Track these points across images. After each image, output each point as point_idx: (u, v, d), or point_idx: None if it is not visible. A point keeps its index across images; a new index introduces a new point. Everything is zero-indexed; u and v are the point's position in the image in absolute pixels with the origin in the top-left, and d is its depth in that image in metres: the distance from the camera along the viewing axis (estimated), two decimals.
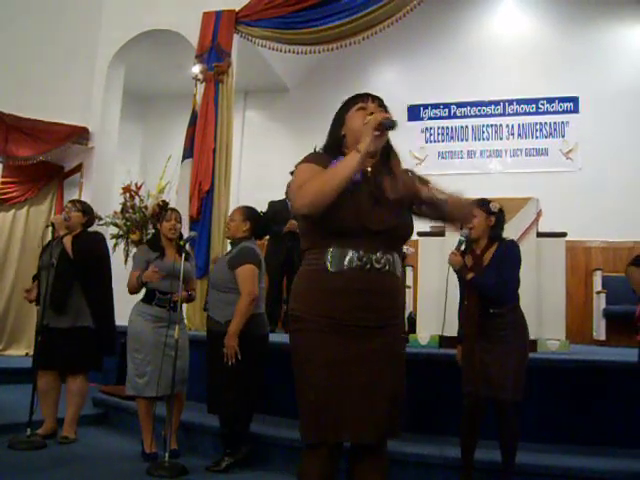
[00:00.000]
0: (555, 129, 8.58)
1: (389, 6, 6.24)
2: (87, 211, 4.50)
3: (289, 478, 3.62)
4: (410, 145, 8.66)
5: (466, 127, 8.97)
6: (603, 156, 8.12)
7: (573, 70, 8.48)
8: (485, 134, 8.88)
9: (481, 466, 3.40)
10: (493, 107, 8.87)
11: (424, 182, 2.04)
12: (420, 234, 4.89)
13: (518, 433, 3.25)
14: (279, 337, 4.68)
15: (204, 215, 6.41)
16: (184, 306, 4.50)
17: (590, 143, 8.27)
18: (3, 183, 7.57)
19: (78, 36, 7.70)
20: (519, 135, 8.75)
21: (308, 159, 2.09)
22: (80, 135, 7.45)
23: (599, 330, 7.21)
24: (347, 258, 1.94)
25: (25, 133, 7.14)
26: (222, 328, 3.74)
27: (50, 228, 4.37)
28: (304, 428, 1.98)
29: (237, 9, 6.97)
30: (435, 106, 9.07)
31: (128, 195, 5.98)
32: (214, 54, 6.85)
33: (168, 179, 6.24)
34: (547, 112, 8.65)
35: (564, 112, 8.57)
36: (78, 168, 7.69)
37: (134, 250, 5.95)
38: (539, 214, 4.95)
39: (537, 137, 8.66)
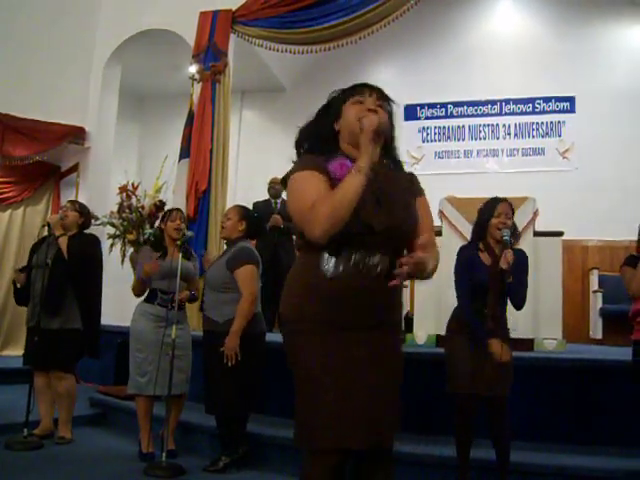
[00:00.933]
0: (552, 129, 8.59)
1: (385, 6, 6.25)
2: (84, 212, 4.49)
3: (286, 478, 3.63)
4: (407, 145, 8.65)
5: (463, 127, 8.97)
6: (599, 155, 8.13)
7: (570, 70, 8.49)
8: (482, 134, 8.88)
9: (477, 464, 3.40)
10: (490, 107, 8.88)
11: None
12: None
13: (511, 430, 3.27)
14: (276, 336, 4.67)
15: (201, 215, 6.42)
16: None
17: (586, 143, 8.28)
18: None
19: (75, 36, 7.70)
20: (516, 135, 8.75)
21: (303, 166, 1.96)
22: (77, 135, 7.44)
23: (595, 329, 7.22)
24: (345, 261, 1.89)
25: (22, 133, 7.12)
26: (219, 328, 3.73)
27: (46, 228, 4.36)
28: (312, 434, 1.87)
29: (234, 9, 6.98)
30: (432, 106, 9.08)
31: (125, 195, 5.99)
32: (211, 54, 6.85)
33: (165, 179, 6.25)
34: (544, 112, 8.66)
35: (560, 112, 8.58)
36: (75, 168, 7.68)
37: (131, 250, 5.97)
38: (536, 213, 4.95)
39: (534, 137, 8.67)
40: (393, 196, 1.96)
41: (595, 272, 7.61)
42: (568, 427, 3.94)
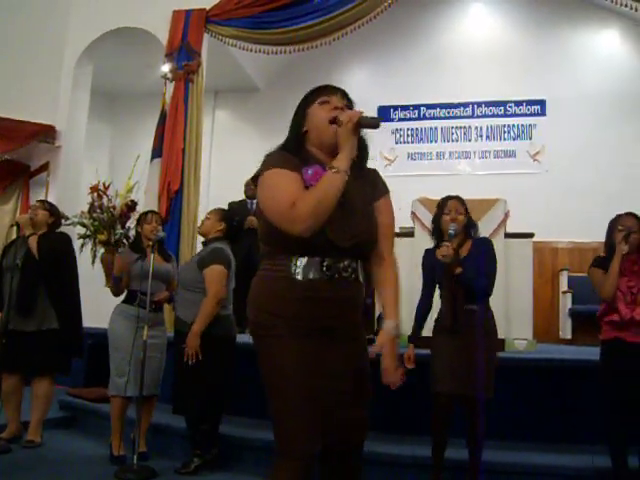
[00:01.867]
0: (523, 131, 8.70)
1: (360, 7, 6.28)
2: (54, 212, 4.42)
3: (259, 479, 3.62)
4: (380, 146, 8.70)
5: (435, 129, 9.03)
6: (569, 158, 8.25)
7: (540, 73, 8.61)
8: (454, 136, 8.95)
9: (450, 464, 3.42)
10: (462, 109, 8.95)
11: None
12: None
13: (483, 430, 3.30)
14: (249, 337, 4.65)
15: (173, 215, 6.38)
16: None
17: (556, 145, 8.40)
18: None
19: (45, 33, 7.58)
20: (487, 137, 8.85)
21: (273, 163, 1.96)
22: (47, 134, 7.33)
23: (565, 329, 7.34)
24: (314, 267, 1.90)
25: None
26: (188, 328, 3.72)
27: (15, 228, 4.28)
28: (287, 438, 1.88)
29: (207, 8, 6.94)
30: (405, 107, 9.13)
31: (96, 195, 5.89)
32: (184, 53, 6.81)
33: (137, 179, 6.17)
34: (515, 115, 8.77)
35: (531, 115, 8.70)
36: (45, 167, 7.56)
37: (102, 250, 5.88)
38: (507, 215, 5.01)
39: (505, 139, 8.77)
40: (357, 206, 1.97)
41: (565, 273, 7.74)
42: (539, 426, 3.99)
